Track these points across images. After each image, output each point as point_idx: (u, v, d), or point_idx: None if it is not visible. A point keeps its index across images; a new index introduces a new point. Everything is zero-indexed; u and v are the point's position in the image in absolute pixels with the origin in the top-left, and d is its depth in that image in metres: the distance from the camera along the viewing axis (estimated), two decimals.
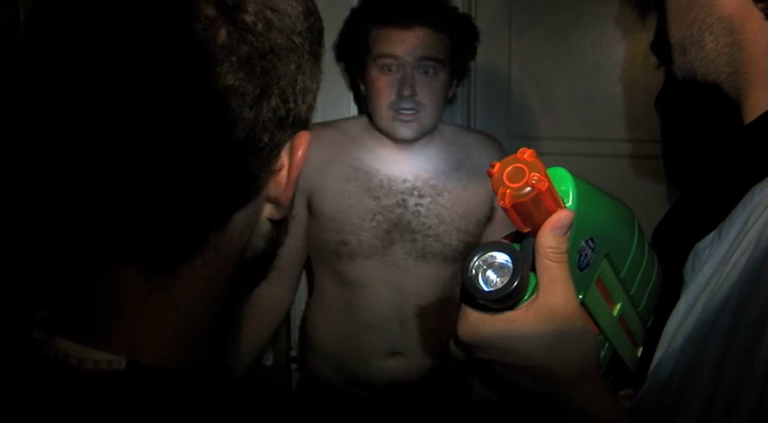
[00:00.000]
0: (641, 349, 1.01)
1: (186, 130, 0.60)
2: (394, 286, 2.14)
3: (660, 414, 0.91)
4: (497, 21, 2.52)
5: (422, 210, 2.11)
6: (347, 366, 2.21)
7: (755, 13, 0.96)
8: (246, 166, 0.65)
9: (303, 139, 0.70)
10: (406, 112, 2.02)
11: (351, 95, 2.52)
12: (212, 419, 0.67)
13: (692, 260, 0.96)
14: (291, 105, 0.67)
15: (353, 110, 2.54)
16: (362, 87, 2.15)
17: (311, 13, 0.70)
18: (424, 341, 2.16)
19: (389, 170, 2.14)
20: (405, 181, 2.13)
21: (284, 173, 0.70)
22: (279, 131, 0.67)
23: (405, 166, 2.13)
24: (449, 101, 2.20)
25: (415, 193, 2.12)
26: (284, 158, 0.69)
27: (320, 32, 0.73)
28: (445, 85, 2.08)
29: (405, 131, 2.04)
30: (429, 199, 2.12)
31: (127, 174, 0.61)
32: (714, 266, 0.91)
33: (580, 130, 2.52)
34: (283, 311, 2.32)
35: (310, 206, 2.17)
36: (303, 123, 0.71)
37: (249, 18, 0.63)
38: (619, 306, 0.93)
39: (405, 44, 2.01)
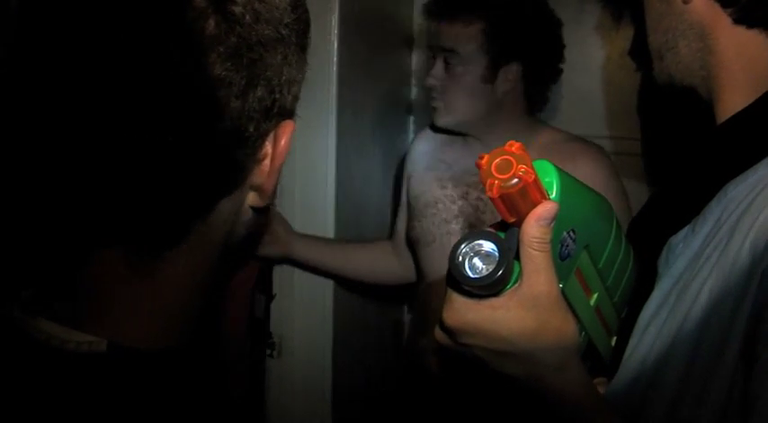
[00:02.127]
0: (615, 338, 1.05)
1: (174, 120, 0.62)
2: None
3: (632, 403, 0.95)
4: None
5: (480, 205, 2.13)
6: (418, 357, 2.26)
7: (724, 18, 0.99)
8: (232, 155, 0.67)
9: (287, 128, 0.72)
10: (432, 98, 2.12)
11: None
12: (186, 401, 0.69)
13: (666, 253, 1.00)
14: (277, 96, 0.69)
15: None
16: None
17: (299, 5, 0.72)
18: None
19: (465, 163, 2.17)
20: (475, 174, 2.13)
21: (267, 162, 0.72)
22: (264, 121, 0.68)
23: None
24: (531, 99, 2.18)
25: (480, 187, 2.11)
26: (268, 147, 0.71)
27: (307, 24, 0.74)
28: (473, 77, 2.06)
29: (435, 117, 2.14)
30: None
31: (114, 161, 0.62)
32: (687, 260, 0.95)
33: (559, 126, 2.53)
34: (390, 278, 2.43)
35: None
36: (288, 113, 0.73)
37: (237, 9, 0.64)
38: (595, 296, 0.96)
39: (435, 36, 2.12)
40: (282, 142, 0.72)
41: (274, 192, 0.76)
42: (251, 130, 0.67)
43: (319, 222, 2.43)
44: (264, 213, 0.78)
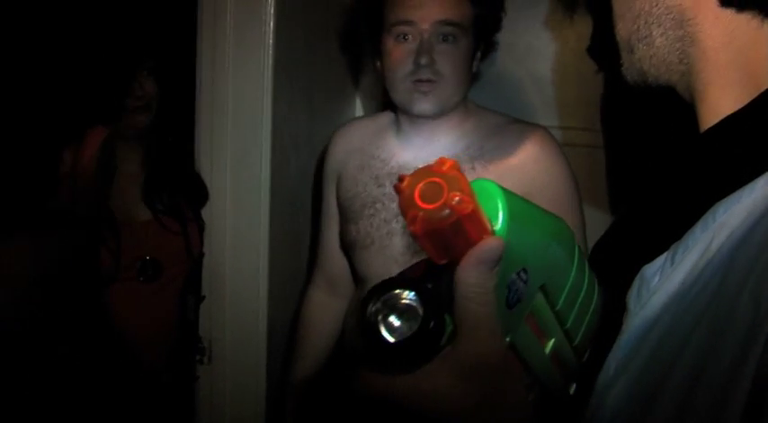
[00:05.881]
0: (574, 386, 0.88)
1: None
2: None
3: None
4: None
5: None
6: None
7: (709, 0, 0.82)
8: None
9: None
10: (424, 82, 1.86)
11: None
12: None
13: (637, 286, 0.82)
14: None
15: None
16: (379, 64, 1.99)
17: None
18: None
19: (404, 158, 2.01)
20: (413, 168, 1.96)
21: None
22: None
23: (420, 154, 1.97)
24: (474, 77, 2.04)
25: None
26: None
27: None
28: (467, 56, 1.91)
29: (423, 105, 1.89)
30: None
31: None
32: (665, 299, 0.77)
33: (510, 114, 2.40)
34: (341, 321, 2.25)
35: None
36: None
37: None
38: (552, 342, 0.79)
39: (421, 8, 1.85)
40: None
41: None
42: None
43: (253, 233, 2.30)
44: None
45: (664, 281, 0.78)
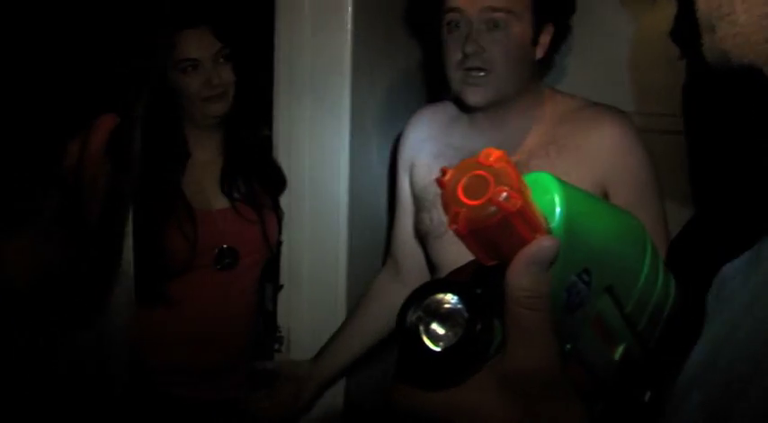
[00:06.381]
0: (650, 393, 0.81)
1: None
2: None
3: None
4: None
5: None
6: None
7: None
8: None
9: None
10: (473, 73, 1.84)
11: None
12: None
13: (717, 288, 0.76)
14: None
15: None
16: None
17: None
18: None
19: (477, 146, 1.95)
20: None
21: None
22: None
23: (493, 141, 1.91)
24: (543, 64, 2.00)
25: None
26: None
27: None
28: (524, 42, 1.86)
29: (474, 97, 1.87)
30: None
31: None
32: (747, 301, 0.71)
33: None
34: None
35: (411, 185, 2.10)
36: None
37: None
38: (622, 348, 0.73)
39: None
40: None
41: None
42: None
43: (332, 221, 2.27)
44: None
45: (745, 282, 0.72)
